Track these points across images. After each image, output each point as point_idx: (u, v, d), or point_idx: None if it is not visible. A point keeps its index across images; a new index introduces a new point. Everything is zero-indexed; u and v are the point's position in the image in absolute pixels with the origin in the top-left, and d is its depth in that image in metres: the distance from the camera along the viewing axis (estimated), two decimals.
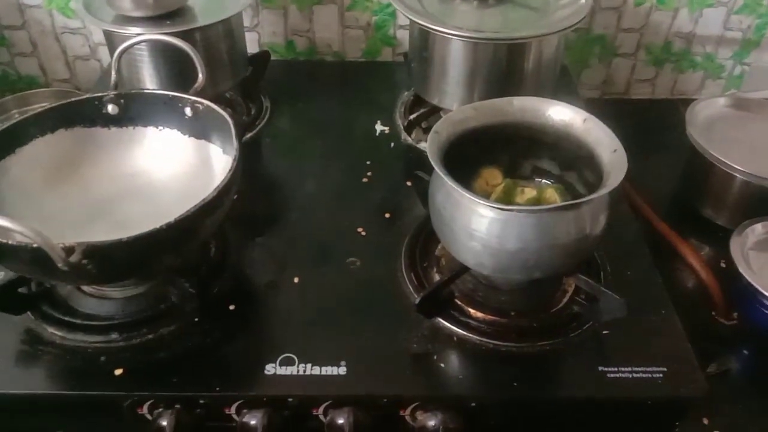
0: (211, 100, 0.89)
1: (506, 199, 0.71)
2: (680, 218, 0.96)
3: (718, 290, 0.82)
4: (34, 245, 0.53)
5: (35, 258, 0.54)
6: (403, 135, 0.93)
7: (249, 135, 0.94)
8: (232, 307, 0.70)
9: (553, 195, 0.72)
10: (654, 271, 0.75)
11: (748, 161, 0.86)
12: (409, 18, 0.84)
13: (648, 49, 1.19)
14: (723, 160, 0.88)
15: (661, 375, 0.64)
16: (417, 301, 0.66)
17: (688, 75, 1.22)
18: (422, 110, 0.93)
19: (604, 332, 0.68)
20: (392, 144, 0.94)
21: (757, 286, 0.76)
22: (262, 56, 1.03)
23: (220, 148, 0.74)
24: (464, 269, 0.68)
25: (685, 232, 0.94)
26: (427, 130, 0.94)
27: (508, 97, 0.72)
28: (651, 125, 1.19)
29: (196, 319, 0.69)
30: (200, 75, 0.76)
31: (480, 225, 0.62)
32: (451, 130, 0.69)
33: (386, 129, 0.97)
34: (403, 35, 1.15)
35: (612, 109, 1.23)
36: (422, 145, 0.93)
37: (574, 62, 1.20)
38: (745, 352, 0.79)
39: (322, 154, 0.93)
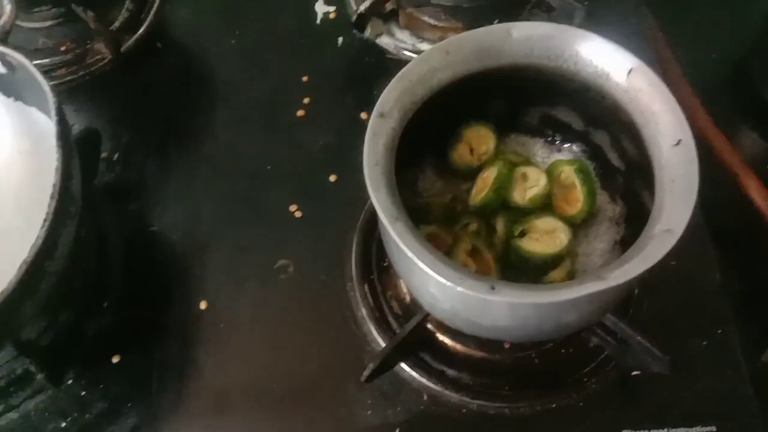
0: None
1: (499, 196, 0.46)
2: (737, 104, 0.72)
3: None
4: None
5: None
6: (355, 30, 0.63)
7: (131, 39, 0.64)
8: (116, 359, 0.50)
9: (570, 176, 0.47)
10: (710, 262, 0.53)
11: None
12: None
13: None
14: None
15: None
16: (365, 375, 0.46)
17: None
18: None
19: (634, 373, 0.49)
20: (340, 40, 0.65)
21: None
22: None
23: (45, 114, 0.48)
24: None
25: (743, 126, 0.71)
26: (389, 17, 0.64)
27: (502, 25, 0.43)
28: None
29: (70, 381, 0.50)
30: (6, 4, 0.47)
31: (451, 297, 0.39)
32: (407, 102, 0.42)
33: (331, 11, 0.66)
34: None
35: None
36: (384, 42, 0.64)
37: None
38: None
39: (240, 66, 0.64)
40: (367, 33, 0.63)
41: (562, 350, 0.50)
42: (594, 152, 0.49)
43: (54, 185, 0.41)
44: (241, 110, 0.62)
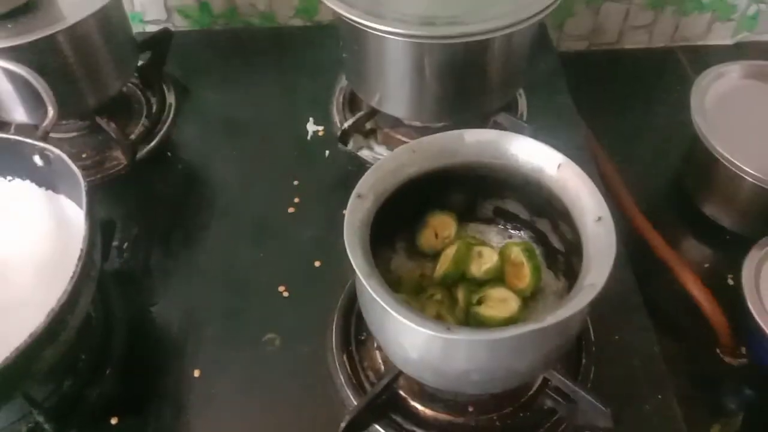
0: (96, 109, 0.71)
1: (458, 268, 0.54)
2: (676, 215, 0.81)
3: (723, 324, 0.68)
4: None
5: None
6: (339, 144, 0.74)
7: (145, 149, 0.75)
8: (114, 421, 0.55)
9: (519, 255, 0.55)
10: (649, 335, 0.60)
11: (765, 157, 0.69)
12: (336, 12, 0.63)
13: None
14: (732, 160, 0.71)
15: None
16: (341, 428, 0.51)
17: (693, 18, 1.01)
18: (360, 113, 0.73)
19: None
20: (327, 152, 0.76)
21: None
22: (162, 37, 0.81)
23: (76, 203, 0.57)
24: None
25: (682, 234, 0.79)
26: (369, 134, 0.75)
27: (457, 131, 0.54)
28: (646, 80, 1.01)
29: None
30: (50, 108, 0.58)
31: (415, 344, 0.46)
32: (381, 188, 0.51)
33: (320, 130, 0.78)
34: None
35: (600, 61, 1.05)
36: (364, 154, 0.74)
37: (556, 11, 0.98)
38: (758, 401, 0.66)
39: (239, 172, 0.74)
40: (350, 146, 0.74)
41: (521, 414, 0.55)
42: (539, 238, 0.58)
43: (81, 249, 0.48)
44: (238, 207, 0.71)
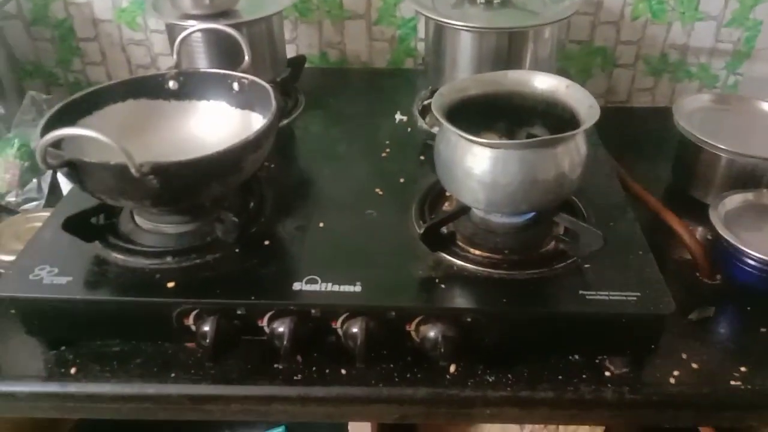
0: None
1: None
2: (671, 200, 1.05)
3: (701, 252, 0.91)
4: (114, 162, 0.67)
5: (115, 173, 0.68)
6: (419, 121, 1.06)
7: (285, 122, 1.08)
8: (266, 243, 0.82)
9: None
10: (634, 224, 0.85)
11: (732, 143, 0.97)
12: (425, 15, 0.99)
13: (646, 60, 1.31)
14: (709, 141, 0.98)
15: (635, 298, 0.73)
16: (422, 230, 0.77)
17: (685, 84, 1.34)
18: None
19: (586, 266, 0.78)
20: (409, 129, 1.07)
21: (736, 244, 0.84)
22: (299, 59, 1.18)
23: (261, 115, 0.88)
24: (464, 209, 0.80)
25: (675, 211, 1.03)
26: None
27: (502, 71, 0.85)
28: (650, 131, 1.29)
29: (237, 250, 0.81)
30: (246, 57, 0.92)
31: (475, 163, 0.74)
32: (454, 96, 0.82)
33: (404, 118, 1.10)
34: (423, 47, 1.30)
35: (615, 116, 1.36)
36: (435, 129, 1.05)
37: (579, 72, 1.33)
38: (727, 306, 0.87)
39: (348, 136, 1.06)
40: (426, 122, 1.06)
41: (540, 255, 0.80)
42: None
43: (273, 111, 0.79)
44: (346, 156, 1.02)
